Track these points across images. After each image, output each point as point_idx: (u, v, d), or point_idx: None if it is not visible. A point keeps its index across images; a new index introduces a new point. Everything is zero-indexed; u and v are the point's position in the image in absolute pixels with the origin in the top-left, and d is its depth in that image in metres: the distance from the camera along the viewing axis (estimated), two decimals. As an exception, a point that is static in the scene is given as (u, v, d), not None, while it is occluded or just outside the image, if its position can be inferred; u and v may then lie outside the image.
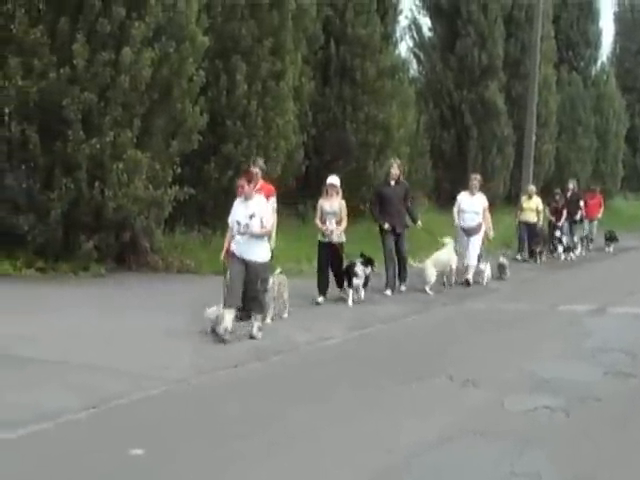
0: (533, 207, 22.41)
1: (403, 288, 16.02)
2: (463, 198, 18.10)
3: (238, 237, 11.14)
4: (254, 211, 11.12)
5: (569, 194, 25.25)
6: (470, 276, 17.35)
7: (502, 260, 18.99)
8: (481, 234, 17.79)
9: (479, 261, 17.71)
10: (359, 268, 14.14)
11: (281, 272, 12.76)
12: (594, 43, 44.31)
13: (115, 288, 14.36)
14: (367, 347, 11.32)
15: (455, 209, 18.13)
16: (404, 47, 34.10)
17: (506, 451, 6.81)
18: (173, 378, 8.93)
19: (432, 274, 16.04)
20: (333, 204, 14.22)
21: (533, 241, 22.30)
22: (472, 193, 18.00)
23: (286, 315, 12.61)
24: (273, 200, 12.63)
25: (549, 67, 35.58)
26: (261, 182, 12.52)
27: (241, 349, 10.44)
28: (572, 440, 7.24)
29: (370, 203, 17.02)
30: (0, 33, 14.54)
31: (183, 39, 15.84)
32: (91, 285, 14.49)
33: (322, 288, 14.29)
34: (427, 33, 35.00)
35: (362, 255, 14.35)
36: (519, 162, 29.89)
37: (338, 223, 14.15)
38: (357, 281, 14.18)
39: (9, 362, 8.97)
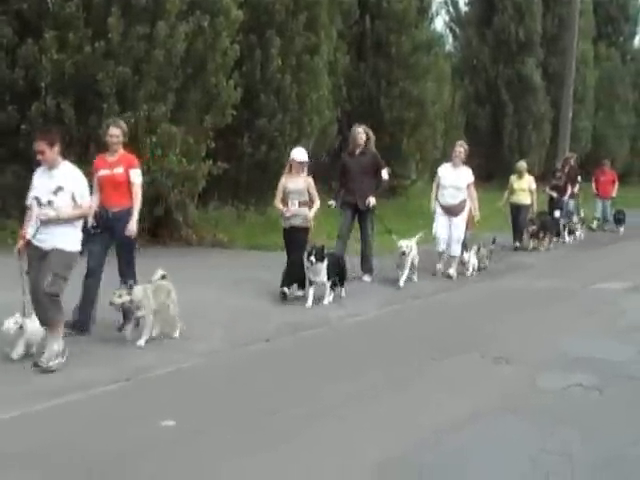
0: (525, 187, 19.68)
1: (367, 279, 13.97)
2: (444, 171, 15.16)
3: (36, 220, 8.22)
4: (61, 184, 8.22)
5: (567, 169, 22.53)
6: (453, 270, 14.83)
7: (482, 251, 15.91)
8: (464, 215, 14.93)
9: (464, 249, 15.13)
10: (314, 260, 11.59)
11: (164, 276, 9.59)
12: (633, 18, 43.82)
13: (148, 262, 14.41)
14: (398, 323, 11.30)
15: (434, 185, 15.31)
16: (440, 22, 33.98)
17: (537, 429, 6.78)
18: (205, 351, 8.98)
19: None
20: (298, 182, 12.17)
21: (526, 225, 19.60)
22: (455, 165, 15.04)
23: (177, 335, 9.47)
24: (136, 173, 9.63)
25: (587, 42, 35.39)
26: (121, 151, 9.76)
27: (273, 324, 10.47)
28: (605, 419, 7.18)
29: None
30: (36, 7, 14.59)
31: (217, 13, 15.84)
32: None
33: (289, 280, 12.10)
34: (463, 8, 34.88)
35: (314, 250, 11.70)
36: (556, 139, 29.69)
37: (303, 204, 12.14)
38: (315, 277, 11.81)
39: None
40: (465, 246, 15.18)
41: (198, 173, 16.10)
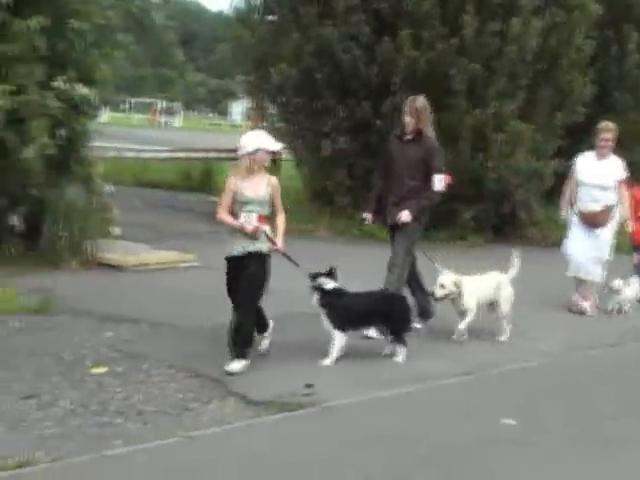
0: None
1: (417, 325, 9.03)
2: (583, 164, 10.74)
3: None
4: None
5: None
6: (587, 304, 10.62)
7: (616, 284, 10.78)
8: (612, 226, 10.64)
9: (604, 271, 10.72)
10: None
11: None
12: None
13: (491, 257, 14.40)
14: None
15: (567, 184, 10.92)
16: None
17: None
18: (547, 352, 8.84)
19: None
20: (258, 186, 7.43)
21: None
22: (600, 156, 10.68)
23: None
24: None
25: None
26: None
27: (619, 329, 10.10)
28: None
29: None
30: (394, 6, 15.10)
31: (573, 8, 15.62)
32: (467, 254, 14.62)
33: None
34: None
35: None
36: None
37: (266, 219, 7.51)
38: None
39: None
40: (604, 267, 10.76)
41: (545, 171, 15.93)
